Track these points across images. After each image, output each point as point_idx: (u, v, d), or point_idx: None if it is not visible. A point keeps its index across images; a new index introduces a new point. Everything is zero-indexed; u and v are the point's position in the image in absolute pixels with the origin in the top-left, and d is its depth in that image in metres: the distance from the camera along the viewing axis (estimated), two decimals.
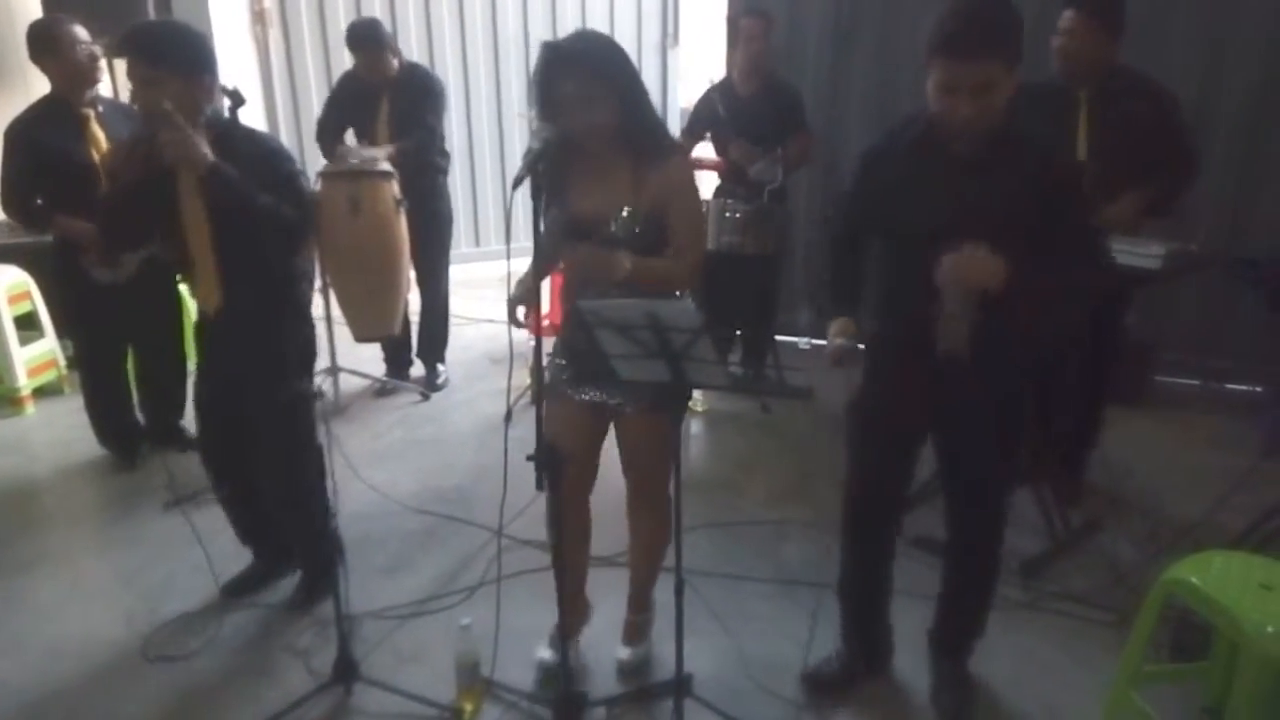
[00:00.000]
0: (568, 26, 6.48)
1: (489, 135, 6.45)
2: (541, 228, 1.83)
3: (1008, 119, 1.78)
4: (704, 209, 3.45)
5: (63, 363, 4.33)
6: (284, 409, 2.44)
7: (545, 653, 2.36)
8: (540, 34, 6.41)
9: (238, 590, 2.72)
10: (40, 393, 4.26)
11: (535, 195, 2.09)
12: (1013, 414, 2.02)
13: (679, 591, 2.01)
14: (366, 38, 3.88)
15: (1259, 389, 3.94)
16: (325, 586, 2.67)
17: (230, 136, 2.25)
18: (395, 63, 3.96)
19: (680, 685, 2.04)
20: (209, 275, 2.34)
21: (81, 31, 3.16)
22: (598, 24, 6.56)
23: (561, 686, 2.06)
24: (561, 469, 2.00)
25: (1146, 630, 2.01)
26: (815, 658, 2.38)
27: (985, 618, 2.25)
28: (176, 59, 2.18)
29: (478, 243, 6.65)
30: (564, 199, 2.07)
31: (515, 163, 6.62)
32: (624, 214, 1.98)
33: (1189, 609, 2.01)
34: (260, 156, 2.29)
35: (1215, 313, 4.07)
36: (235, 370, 2.43)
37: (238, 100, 1.93)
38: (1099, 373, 3.06)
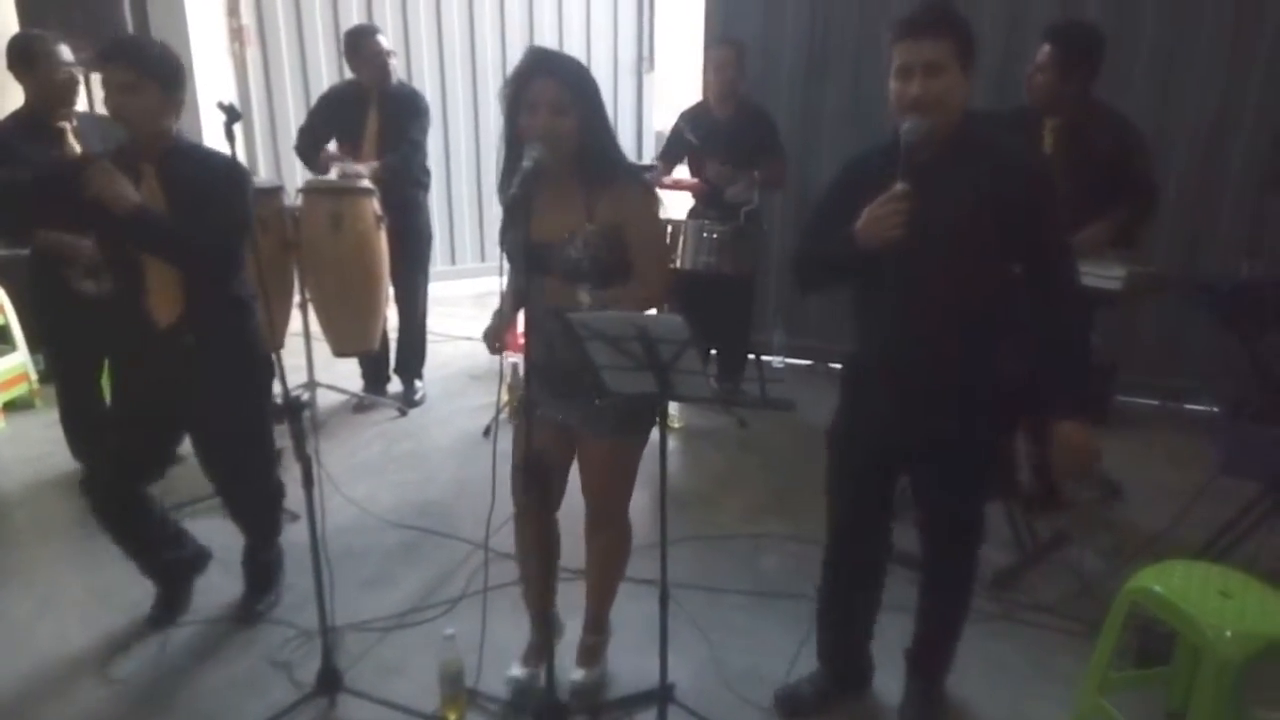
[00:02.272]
0: (544, 41, 6.56)
1: (466, 155, 6.50)
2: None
3: (966, 127, 1.85)
4: (668, 233, 3.51)
5: (34, 376, 4.28)
6: (260, 412, 2.49)
7: (517, 670, 2.37)
8: (518, 55, 6.48)
9: (164, 617, 2.65)
10: (10, 407, 4.21)
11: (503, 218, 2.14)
12: (987, 441, 2.05)
13: (663, 602, 2.04)
14: (366, 40, 3.94)
15: (1215, 409, 4.07)
16: (272, 600, 2.74)
17: (181, 155, 2.30)
18: (394, 64, 4.01)
19: (665, 694, 2.07)
20: (168, 284, 2.31)
21: (66, 51, 3.17)
22: (574, 47, 6.65)
23: (543, 697, 2.08)
24: (548, 479, 2.05)
25: (1113, 638, 2.08)
26: (798, 673, 2.40)
27: (957, 638, 2.26)
28: (160, 70, 2.22)
29: (454, 260, 6.68)
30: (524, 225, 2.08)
31: (491, 183, 6.72)
32: (578, 237, 1.99)
33: (1152, 617, 2.09)
34: (209, 176, 2.29)
35: (1173, 334, 4.21)
36: (199, 384, 2.39)
37: (233, 116, 1.96)
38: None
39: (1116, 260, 2.64)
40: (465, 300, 6.32)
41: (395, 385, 4.50)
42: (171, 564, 2.67)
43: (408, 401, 4.38)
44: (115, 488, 2.46)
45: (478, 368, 5.02)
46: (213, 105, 2.02)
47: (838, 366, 4.56)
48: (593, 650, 2.40)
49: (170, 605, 2.68)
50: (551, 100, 1.92)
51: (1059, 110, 2.90)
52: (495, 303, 2.27)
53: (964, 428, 1.97)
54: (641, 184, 2.11)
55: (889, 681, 2.38)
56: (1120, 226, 2.88)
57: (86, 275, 3.06)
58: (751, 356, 4.32)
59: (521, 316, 2.04)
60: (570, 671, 2.38)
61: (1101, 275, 2.55)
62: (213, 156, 2.37)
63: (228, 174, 2.28)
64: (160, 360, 2.38)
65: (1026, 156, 1.93)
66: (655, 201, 2.12)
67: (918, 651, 2.30)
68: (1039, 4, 4.11)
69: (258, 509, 2.67)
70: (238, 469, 2.59)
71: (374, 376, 4.43)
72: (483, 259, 6.78)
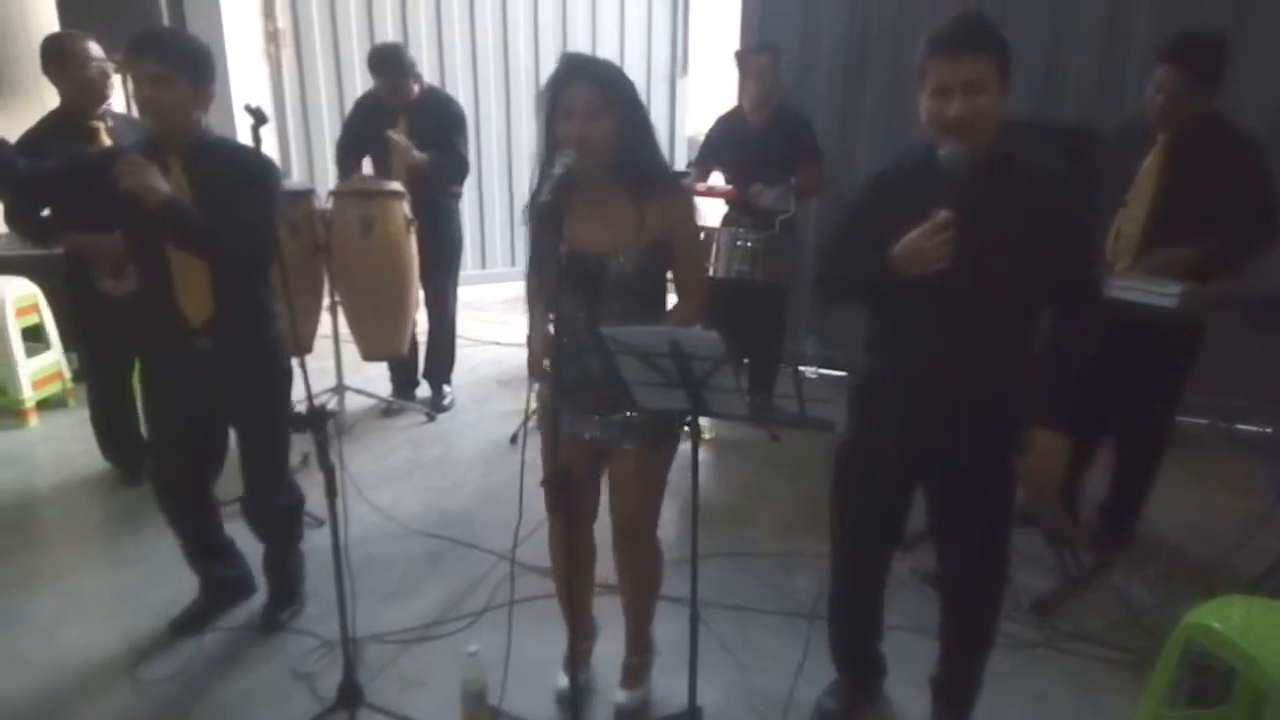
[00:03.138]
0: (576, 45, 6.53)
1: (498, 159, 6.48)
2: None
3: (1003, 144, 1.76)
4: (704, 241, 3.45)
5: (68, 375, 4.31)
6: (269, 423, 2.47)
7: (563, 679, 2.33)
8: (551, 61, 6.46)
9: (186, 626, 2.63)
10: (44, 405, 4.24)
11: (536, 229, 2.08)
12: (1004, 464, 1.95)
13: (694, 625, 1.97)
14: (390, 62, 3.90)
15: (1269, 430, 3.92)
16: (295, 605, 2.72)
17: (209, 151, 2.28)
18: (416, 88, 3.98)
19: (694, 716, 2.00)
20: (198, 284, 2.30)
21: (95, 48, 3.17)
22: (608, 51, 6.63)
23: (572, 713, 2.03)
24: (575, 494, 1.99)
25: (1167, 674, 1.98)
26: (805, 686, 2.38)
27: (982, 667, 2.16)
28: (190, 63, 2.20)
29: (484, 265, 6.67)
30: (562, 233, 2.00)
31: (523, 186, 6.69)
32: (632, 250, 1.94)
33: (1207, 653, 1.99)
34: (237, 174, 2.26)
35: (1226, 351, 4.02)
36: (222, 389, 2.38)
37: (260, 119, 1.92)
38: (1158, 422, 3.00)
39: (1173, 277, 2.50)
40: (496, 305, 6.30)
41: (424, 390, 4.47)
42: (219, 579, 2.69)
43: (436, 407, 4.35)
44: (177, 484, 2.51)
45: (506, 373, 4.98)
46: (253, 107, 1.98)
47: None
48: (636, 670, 2.35)
49: (201, 616, 2.66)
50: (587, 105, 1.87)
51: (1177, 128, 2.67)
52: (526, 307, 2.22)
53: (987, 449, 1.91)
54: (686, 193, 2.06)
55: (915, 698, 2.31)
56: (1214, 251, 2.61)
57: (109, 274, 3.05)
58: (790, 370, 4.24)
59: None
60: (615, 692, 2.33)
61: (1155, 292, 2.43)
62: (242, 151, 2.34)
63: (257, 169, 2.26)
64: (187, 360, 2.37)
65: (1059, 169, 1.83)
66: (697, 211, 2.07)
67: (943, 679, 2.22)
68: (1086, 12, 3.99)
69: (270, 516, 2.62)
70: (249, 475, 2.56)
71: (403, 381, 4.41)
72: (513, 263, 6.77)
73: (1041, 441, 1.87)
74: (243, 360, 2.39)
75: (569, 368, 1.92)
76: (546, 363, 2.10)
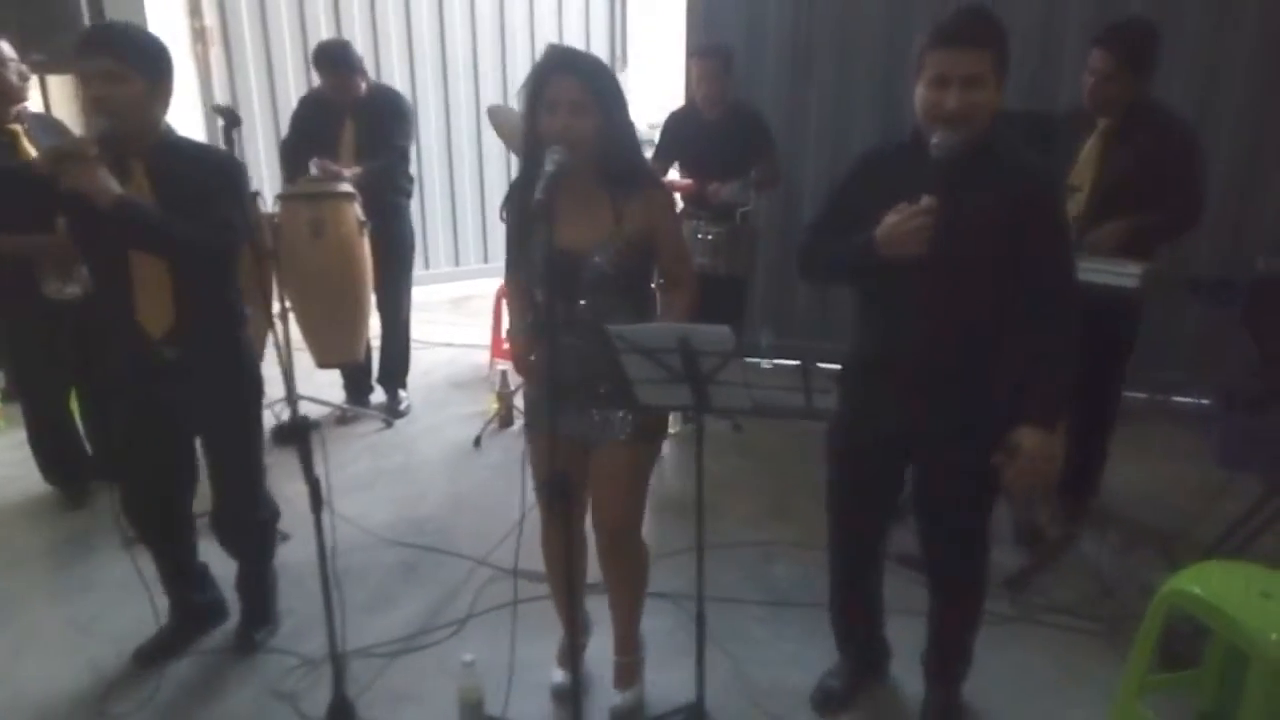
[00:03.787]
0: (517, 49, 6.46)
1: (438, 157, 6.36)
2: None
3: (991, 135, 1.79)
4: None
5: None
6: (243, 434, 2.39)
7: (558, 675, 2.33)
8: (490, 55, 6.38)
9: (150, 657, 2.50)
10: None
11: (517, 226, 2.05)
12: (988, 444, 1.96)
13: (700, 622, 1.97)
14: (337, 59, 3.78)
15: (1205, 401, 4.10)
16: (270, 625, 2.64)
17: (171, 150, 2.17)
18: (363, 85, 3.87)
19: (700, 713, 2.00)
20: (158, 293, 2.19)
21: (8, 49, 3.00)
22: (546, 37, 6.56)
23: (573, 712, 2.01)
24: (573, 497, 1.96)
25: (1150, 641, 2.05)
26: (799, 674, 2.41)
27: (971, 644, 2.23)
28: (144, 58, 2.08)
29: (427, 265, 6.53)
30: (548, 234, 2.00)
31: (463, 183, 6.58)
32: (610, 247, 1.93)
33: (1176, 619, 2.06)
34: (203, 172, 2.16)
35: (1161, 327, 4.22)
36: (189, 403, 2.29)
37: (232, 120, 1.84)
38: (1108, 388, 3.08)
39: (1131, 258, 2.60)
40: (442, 305, 6.19)
41: (378, 395, 4.37)
42: (193, 606, 2.58)
43: (393, 412, 4.25)
44: (150, 507, 2.40)
45: (460, 375, 4.90)
46: (175, 107, 1.88)
47: (827, 366, 4.54)
48: (628, 670, 2.33)
49: (170, 644, 2.54)
50: (572, 99, 1.84)
51: (1114, 112, 2.79)
52: (473, 307, 2.19)
53: (970, 428, 1.94)
54: (664, 190, 2.04)
55: (914, 681, 2.35)
56: (1140, 230, 2.73)
57: (55, 277, 2.88)
58: (795, 363, 4.25)
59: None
60: (609, 695, 2.31)
61: (1116, 273, 2.53)
62: (207, 151, 2.24)
63: (223, 168, 2.15)
64: (150, 372, 2.25)
65: (1043, 169, 1.88)
66: (674, 205, 2.06)
67: (932, 658, 2.28)
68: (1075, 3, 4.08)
69: (245, 532, 2.52)
70: (223, 491, 2.45)
71: (357, 387, 4.29)
72: (456, 263, 6.66)
73: (1028, 440, 1.85)
74: (211, 369, 2.28)
75: (557, 364, 1.89)
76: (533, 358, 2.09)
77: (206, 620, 2.62)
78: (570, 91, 1.85)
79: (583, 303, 1.96)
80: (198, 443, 2.44)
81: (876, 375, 1.98)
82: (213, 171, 2.15)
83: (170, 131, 2.20)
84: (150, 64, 2.09)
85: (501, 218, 2.12)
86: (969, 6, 1.77)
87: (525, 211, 1.88)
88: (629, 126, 1.96)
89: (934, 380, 1.90)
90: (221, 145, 1.96)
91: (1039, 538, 3.05)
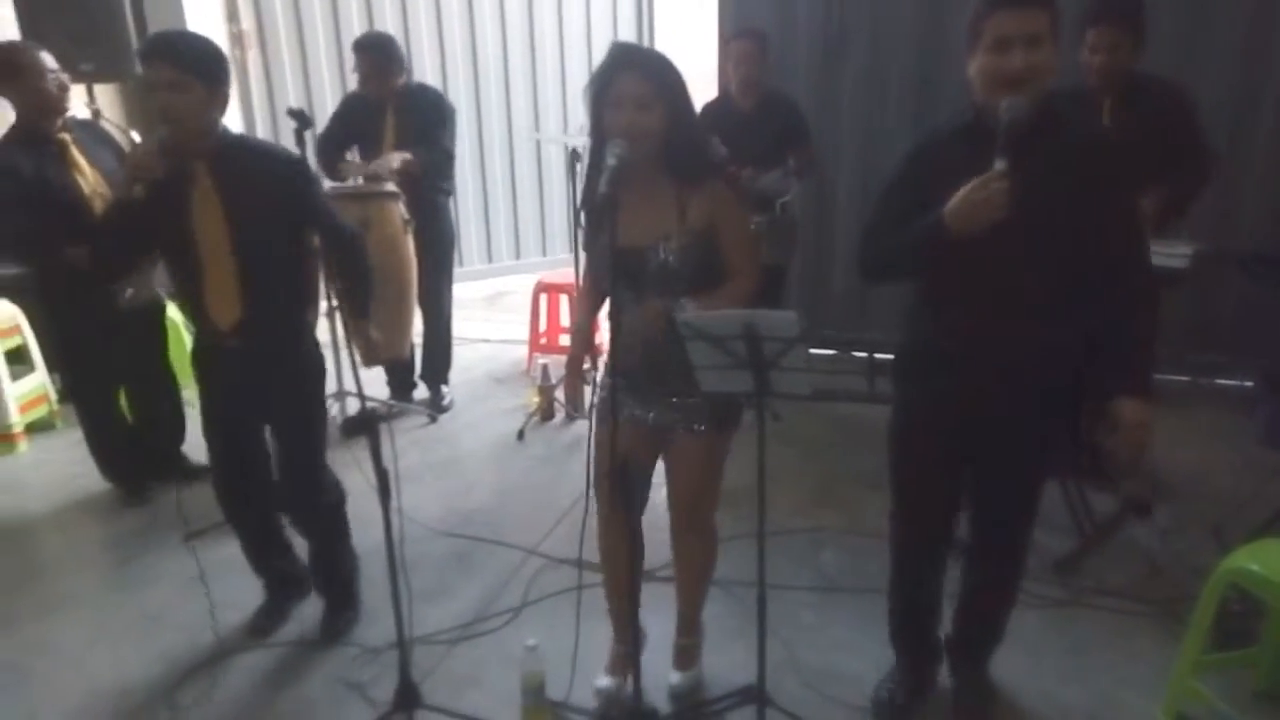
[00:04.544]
0: (546, 44, 6.51)
1: (469, 155, 6.42)
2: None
3: (1049, 102, 1.76)
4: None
5: (54, 397, 4.19)
6: (310, 425, 2.48)
7: (604, 680, 2.33)
8: (519, 52, 6.43)
9: (263, 629, 2.67)
10: (32, 429, 4.11)
11: (587, 222, 2.10)
12: (1056, 422, 1.99)
13: (761, 606, 2.00)
14: (373, 45, 3.86)
15: (1249, 383, 4.08)
16: (351, 616, 2.71)
17: (233, 150, 2.28)
18: (400, 80, 3.93)
19: (763, 694, 2.03)
20: (226, 288, 2.29)
21: (49, 59, 3.06)
22: (574, 36, 6.62)
23: (633, 706, 2.05)
24: (635, 487, 2.00)
25: (1207, 619, 2.06)
26: (848, 659, 2.43)
27: (1005, 623, 2.21)
28: (203, 66, 2.17)
29: (461, 263, 6.60)
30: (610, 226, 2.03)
31: (495, 181, 6.63)
32: (673, 241, 1.95)
33: (1232, 598, 2.07)
34: (274, 173, 2.27)
35: (1203, 308, 4.20)
36: (256, 389, 2.39)
37: (304, 122, 1.90)
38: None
39: (1179, 238, 2.61)
40: (477, 302, 6.26)
41: (421, 391, 4.44)
42: (285, 573, 2.72)
43: (436, 407, 4.32)
44: (234, 484, 2.52)
45: (500, 370, 4.97)
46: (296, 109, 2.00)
47: (863, 355, 4.54)
48: (688, 652, 2.38)
49: (271, 615, 2.69)
50: (636, 96, 1.87)
51: (1118, 85, 2.84)
52: (508, 303, 2.24)
53: (1040, 409, 1.92)
54: (728, 182, 2.07)
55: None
56: (1173, 197, 2.81)
57: (126, 286, 2.99)
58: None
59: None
60: (667, 674, 2.35)
61: (1167, 254, 2.53)
62: (273, 150, 2.35)
63: (302, 172, 2.26)
64: (220, 360, 2.38)
65: (1109, 132, 1.87)
66: (737, 198, 2.08)
67: (961, 638, 2.27)
68: None
69: (312, 512, 2.61)
70: (290, 475, 2.55)
71: (401, 383, 4.37)
72: (490, 260, 6.72)
73: (1130, 411, 1.83)
74: (276, 357, 2.38)
75: (627, 356, 1.93)
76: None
77: (304, 584, 2.75)
78: (635, 87, 1.87)
79: (649, 301, 1.97)
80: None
81: (939, 362, 1.94)
82: (290, 175, 2.26)
83: (227, 132, 2.29)
84: (208, 71, 2.18)
85: (579, 215, 2.16)
86: None
87: (590, 205, 1.91)
88: (694, 120, 1.98)
89: (1007, 367, 1.86)
90: (293, 148, 2.03)
91: (1145, 509, 3.04)
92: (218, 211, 2.23)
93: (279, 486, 2.58)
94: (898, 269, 2.03)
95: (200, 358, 2.43)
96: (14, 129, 3.08)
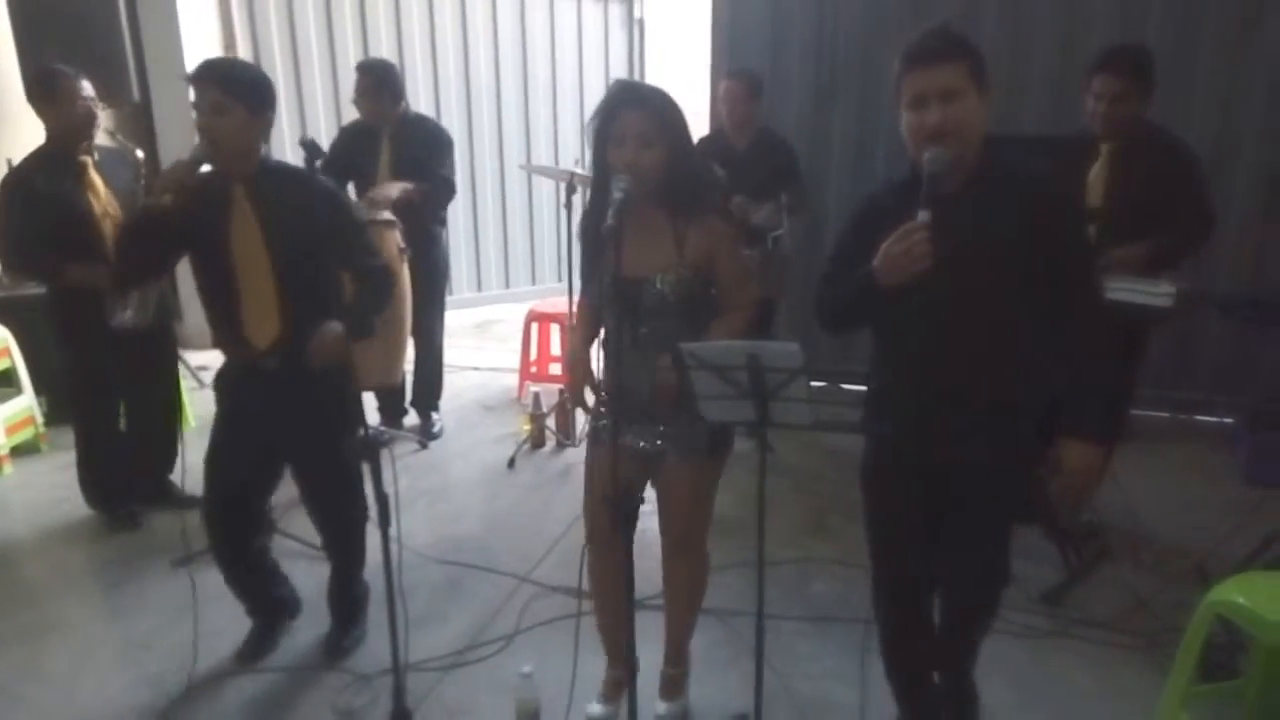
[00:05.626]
0: (538, 75, 6.59)
1: (461, 183, 6.42)
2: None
3: (989, 154, 1.79)
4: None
5: (40, 420, 4.16)
6: (346, 454, 2.48)
7: (597, 708, 2.34)
8: (512, 82, 6.52)
9: (252, 655, 2.65)
10: (17, 452, 4.07)
11: (586, 254, 2.14)
12: (1023, 470, 1.96)
13: (760, 635, 2.02)
14: (373, 67, 3.94)
15: (1229, 420, 4.16)
16: (358, 635, 2.72)
17: (271, 174, 2.33)
18: (398, 108, 3.98)
19: None
20: (265, 307, 2.32)
21: (86, 87, 3.15)
22: (567, 71, 6.71)
23: None
24: (635, 515, 2.02)
25: (1195, 651, 2.10)
26: (841, 689, 2.43)
27: (980, 643, 2.18)
28: (248, 92, 2.23)
29: (450, 291, 6.63)
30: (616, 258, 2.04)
31: (486, 210, 6.68)
32: (671, 274, 2.00)
33: (1213, 631, 2.10)
34: (310, 204, 2.32)
35: (1183, 346, 4.29)
36: (287, 410, 2.38)
37: (315, 152, 1.94)
38: (1120, 415, 3.10)
39: (1164, 278, 2.67)
40: (466, 330, 6.27)
41: (411, 418, 4.44)
42: (272, 601, 2.69)
43: (427, 434, 4.32)
44: (229, 515, 2.49)
45: (490, 398, 4.98)
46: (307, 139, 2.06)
47: (850, 387, 4.57)
48: (675, 682, 2.38)
49: (260, 643, 2.67)
50: (639, 133, 1.92)
51: (1123, 133, 2.86)
52: (498, 331, 2.27)
53: (1000, 457, 1.89)
54: (726, 217, 2.12)
55: None
56: (1162, 250, 2.82)
57: (125, 306, 2.99)
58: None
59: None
60: (654, 704, 2.35)
61: (1151, 293, 2.59)
62: (310, 178, 2.41)
63: (342, 205, 2.38)
64: (256, 385, 2.39)
65: (1052, 181, 1.89)
66: (735, 232, 2.13)
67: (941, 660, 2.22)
68: (1099, 26, 4.17)
69: (352, 536, 2.65)
70: (336, 497, 2.59)
71: (391, 410, 4.37)
72: (479, 289, 6.75)
73: (1076, 455, 1.84)
74: (320, 378, 2.35)
75: (630, 395, 1.97)
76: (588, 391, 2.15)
77: (290, 608, 2.75)
78: (638, 124, 1.92)
79: (644, 330, 2.03)
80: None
81: (899, 408, 1.93)
82: (330, 210, 2.36)
83: (267, 157, 2.34)
84: (253, 96, 2.24)
85: (578, 241, 2.21)
86: (933, 27, 1.77)
87: (594, 237, 1.96)
88: (694, 155, 2.04)
89: (956, 408, 1.83)
90: None
91: (1091, 533, 3.08)
92: (256, 233, 2.28)
93: (313, 510, 2.65)
94: (846, 319, 2.04)
95: (228, 380, 2.45)
96: (42, 147, 3.16)
